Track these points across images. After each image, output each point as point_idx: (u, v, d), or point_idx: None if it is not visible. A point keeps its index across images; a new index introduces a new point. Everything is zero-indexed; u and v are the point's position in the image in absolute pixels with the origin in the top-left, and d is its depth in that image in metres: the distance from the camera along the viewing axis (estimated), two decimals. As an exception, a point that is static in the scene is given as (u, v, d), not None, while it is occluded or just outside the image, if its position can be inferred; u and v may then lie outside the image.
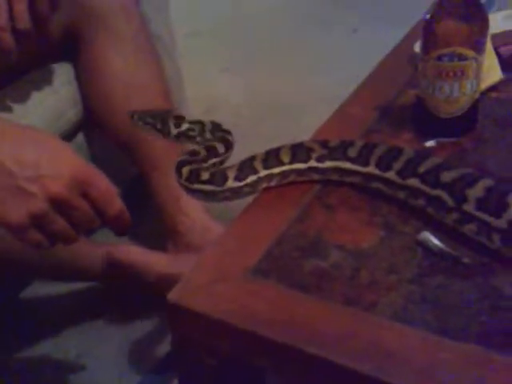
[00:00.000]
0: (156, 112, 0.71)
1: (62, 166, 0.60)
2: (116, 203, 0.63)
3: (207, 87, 2.10)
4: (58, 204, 0.59)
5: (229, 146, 0.67)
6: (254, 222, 0.62)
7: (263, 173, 0.62)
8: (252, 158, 0.63)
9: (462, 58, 0.65)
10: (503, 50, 0.83)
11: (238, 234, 0.60)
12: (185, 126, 0.68)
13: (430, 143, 0.69)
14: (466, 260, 0.53)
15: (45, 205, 0.58)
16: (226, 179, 0.61)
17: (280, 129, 1.82)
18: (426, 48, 0.67)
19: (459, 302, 0.49)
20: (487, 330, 0.46)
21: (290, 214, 0.61)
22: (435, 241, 0.55)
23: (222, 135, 0.68)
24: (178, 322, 0.52)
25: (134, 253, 1.00)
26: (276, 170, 0.63)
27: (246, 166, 0.62)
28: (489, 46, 0.79)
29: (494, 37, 0.80)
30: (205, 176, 0.62)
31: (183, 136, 0.69)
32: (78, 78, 1.07)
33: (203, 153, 0.65)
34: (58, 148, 0.62)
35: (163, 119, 0.69)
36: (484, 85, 0.78)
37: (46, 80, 1.04)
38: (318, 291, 0.52)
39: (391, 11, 2.50)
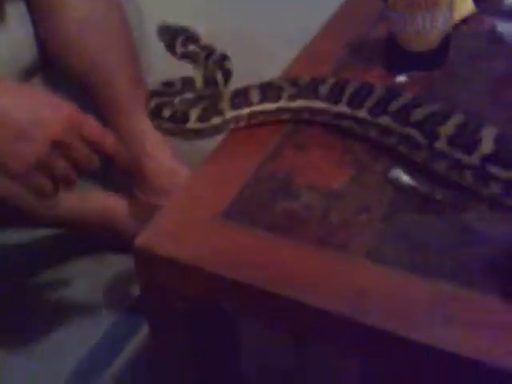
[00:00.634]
0: (174, 28, 0.70)
1: (56, 111, 0.64)
2: (110, 138, 0.67)
3: (172, 17, 2.02)
4: (58, 146, 0.63)
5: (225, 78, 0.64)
6: (223, 165, 0.60)
7: (229, 114, 0.60)
8: (218, 97, 0.61)
9: (434, -13, 0.63)
10: (475, -20, 0.81)
11: (206, 177, 0.58)
12: (191, 48, 0.67)
13: (400, 78, 0.67)
14: (437, 196, 0.52)
15: (46, 148, 0.62)
16: (186, 119, 0.59)
17: (247, 65, 1.77)
18: (397, -23, 0.64)
19: (431, 239, 0.49)
20: (459, 266, 0.46)
21: (259, 155, 0.59)
22: (406, 178, 0.54)
23: (220, 66, 0.65)
24: (145, 266, 0.51)
25: (100, 199, 0.98)
26: (244, 111, 0.60)
27: (211, 106, 0.60)
28: (461, -24, 0.76)
29: (466, -33, 0.77)
30: (166, 113, 0.59)
31: (187, 57, 0.68)
32: (33, 20, 1.01)
33: (178, 85, 0.63)
34: (45, 96, 0.67)
35: (174, 35, 0.68)
36: (456, 17, 0.76)
37: (-3, 20, 0.98)
38: (289, 233, 0.51)
39: None
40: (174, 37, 0.68)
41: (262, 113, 0.61)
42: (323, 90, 0.60)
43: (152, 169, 1.01)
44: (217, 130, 0.61)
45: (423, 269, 0.46)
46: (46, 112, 0.64)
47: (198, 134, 0.60)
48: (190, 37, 0.69)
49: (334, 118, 0.60)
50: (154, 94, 0.62)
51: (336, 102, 0.59)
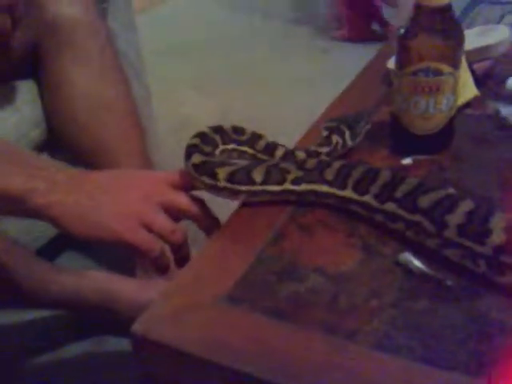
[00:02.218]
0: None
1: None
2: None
3: (178, 105, 2.08)
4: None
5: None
6: (227, 245, 0.59)
7: (224, 184, 0.59)
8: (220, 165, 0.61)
9: (437, 73, 0.64)
10: (477, 66, 0.82)
11: (209, 258, 0.57)
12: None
13: (406, 161, 0.67)
14: (449, 283, 0.50)
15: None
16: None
17: None
18: (401, 63, 0.66)
19: (445, 328, 0.46)
20: (475, 357, 0.43)
21: (264, 236, 0.58)
22: (416, 262, 0.52)
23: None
24: (144, 354, 0.48)
25: (101, 279, 0.95)
26: (242, 188, 0.60)
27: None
28: (463, 62, 0.78)
29: (468, 53, 0.79)
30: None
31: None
32: (42, 96, 1.03)
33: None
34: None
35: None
36: (459, 101, 0.77)
37: (8, 98, 1.00)
38: (294, 319, 0.49)
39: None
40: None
41: (264, 192, 0.60)
42: (329, 173, 0.59)
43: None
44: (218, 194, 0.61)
45: (436, 361, 0.43)
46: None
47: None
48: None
49: (340, 202, 0.59)
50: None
51: (342, 186, 0.58)
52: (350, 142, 0.68)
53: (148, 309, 0.50)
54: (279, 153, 0.65)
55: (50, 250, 1.05)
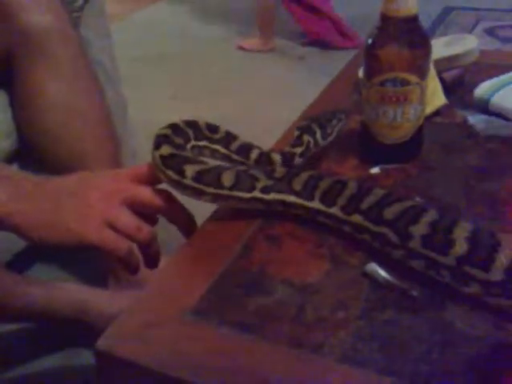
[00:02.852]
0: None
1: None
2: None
3: (154, 113, 2.07)
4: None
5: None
6: (194, 258, 0.58)
7: (190, 182, 0.58)
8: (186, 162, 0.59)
9: (404, 83, 0.64)
10: (446, 75, 0.83)
11: (176, 271, 0.56)
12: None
13: (375, 170, 0.68)
14: (414, 293, 0.50)
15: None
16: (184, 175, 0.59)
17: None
18: (368, 73, 0.66)
19: (409, 339, 0.46)
20: (438, 368, 0.43)
21: (232, 248, 0.58)
22: (382, 273, 0.52)
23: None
24: (107, 371, 0.48)
25: (72, 291, 0.94)
26: (209, 190, 0.58)
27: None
28: (432, 71, 0.79)
29: (437, 62, 0.80)
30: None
31: None
32: (13, 105, 1.02)
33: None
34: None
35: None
36: (428, 110, 0.77)
37: (-22, 108, 0.98)
38: (261, 332, 0.48)
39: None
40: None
41: (231, 198, 0.59)
42: (297, 183, 0.59)
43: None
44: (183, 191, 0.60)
45: (399, 373, 0.43)
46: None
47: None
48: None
49: (308, 213, 0.59)
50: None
51: (309, 197, 0.58)
52: (321, 141, 0.67)
53: (112, 324, 0.49)
54: (254, 155, 0.64)
55: (20, 263, 1.04)
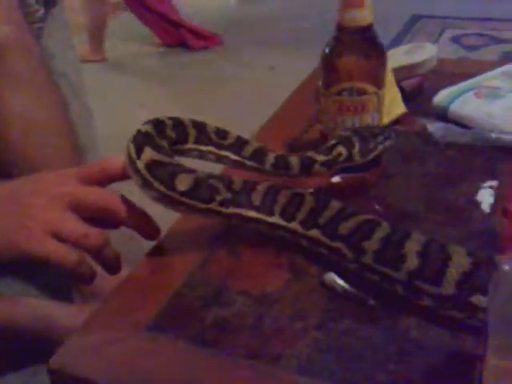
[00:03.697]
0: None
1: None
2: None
3: (125, 124, 2.05)
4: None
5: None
6: (154, 271, 0.58)
7: (157, 186, 0.54)
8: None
9: (361, 92, 0.65)
10: (406, 83, 0.84)
11: (134, 284, 0.55)
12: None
13: (335, 179, 0.68)
14: (371, 302, 0.50)
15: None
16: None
17: (200, 167, 1.79)
18: (326, 83, 0.66)
19: (365, 349, 0.46)
20: (393, 378, 0.44)
21: (192, 260, 0.57)
22: (340, 282, 0.52)
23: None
24: (61, 390, 0.47)
25: (35, 306, 0.92)
26: (168, 193, 0.54)
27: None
28: (391, 79, 0.80)
29: (396, 71, 0.81)
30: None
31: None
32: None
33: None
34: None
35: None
36: (388, 118, 0.78)
37: None
38: (219, 345, 0.48)
39: (307, 49, 2.57)
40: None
41: (182, 204, 0.55)
42: (256, 198, 0.56)
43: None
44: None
45: (355, 382, 0.44)
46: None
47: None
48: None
49: (268, 228, 0.57)
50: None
51: (269, 212, 0.56)
52: (357, 157, 0.62)
53: (66, 341, 0.48)
54: (270, 160, 0.60)
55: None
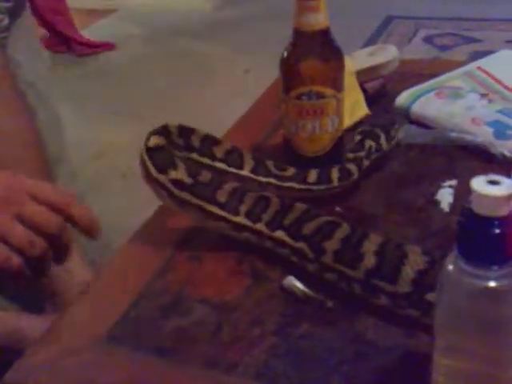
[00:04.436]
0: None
1: None
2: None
3: (99, 132, 2.04)
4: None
5: None
6: (113, 280, 0.57)
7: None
8: None
9: (320, 96, 0.65)
10: (368, 85, 0.85)
11: (90, 296, 0.55)
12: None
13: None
14: (330, 304, 0.51)
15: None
16: None
17: None
18: (285, 87, 0.67)
19: (322, 352, 0.46)
20: (350, 380, 0.44)
21: (151, 268, 0.57)
22: (300, 285, 0.52)
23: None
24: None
25: (6, 319, 0.91)
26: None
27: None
28: (354, 82, 0.80)
29: (359, 73, 0.82)
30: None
31: None
32: None
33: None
34: None
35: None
36: (350, 120, 0.78)
37: None
38: (177, 355, 0.48)
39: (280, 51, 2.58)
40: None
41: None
42: (221, 196, 0.57)
43: (64, 281, 0.96)
44: None
45: (313, 387, 0.44)
46: None
47: None
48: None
49: (232, 228, 0.57)
50: None
51: (234, 212, 0.57)
52: (385, 145, 0.68)
53: (23, 356, 0.48)
54: (312, 176, 0.63)
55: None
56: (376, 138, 0.68)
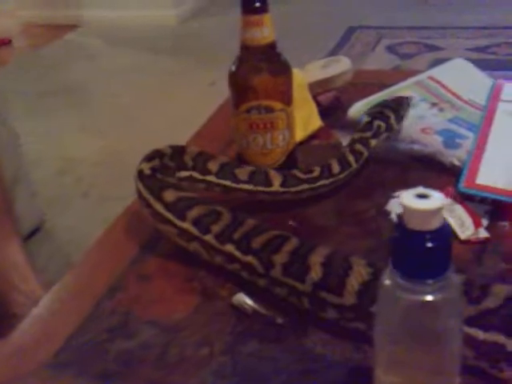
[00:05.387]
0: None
1: None
2: None
3: (63, 148, 2.01)
4: None
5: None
6: (62, 301, 0.56)
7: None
8: None
9: (269, 110, 0.65)
10: (322, 98, 0.85)
11: (41, 317, 0.54)
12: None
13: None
14: (279, 320, 0.50)
15: None
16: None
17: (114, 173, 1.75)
18: (235, 102, 0.66)
19: (270, 370, 0.46)
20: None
21: (100, 289, 0.56)
22: (250, 302, 0.52)
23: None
24: None
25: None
26: None
27: None
28: (307, 94, 0.81)
29: (312, 86, 0.82)
30: None
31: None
32: None
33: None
34: None
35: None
36: (304, 133, 0.79)
37: None
38: (122, 379, 0.46)
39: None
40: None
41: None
42: (170, 197, 0.57)
43: (19, 303, 0.93)
44: None
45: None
46: None
47: None
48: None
49: (180, 234, 0.57)
50: None
51: (180, 216, 0.56)
52: (395, 126, 0.70)
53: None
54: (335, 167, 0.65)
55: None
56: (386, 118, 0.70)
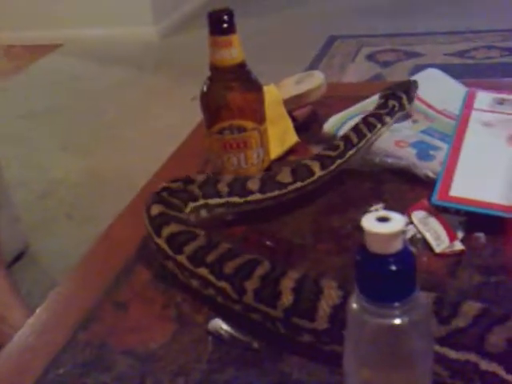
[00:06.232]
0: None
1: None
2: None
3: (46, 170, 2.00)
4: None
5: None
6: (38, 332, 0.55)
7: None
8: None
9: (241, 129, 0.65)
10: (297, 113, 0.85)
11: (16, 349, 0.53)
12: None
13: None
14: (255, 345, 0.49)
15: None
16: None
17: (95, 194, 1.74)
18: (207, 122, 0.66)
19: (247, 398, 0.45)
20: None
21: (75, 320, 0.55)
22: (225, 327, 0.51)
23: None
24: None
25: None
26: None
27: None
28: (282, 111, 0.80)
29: (287, 102, 0.82)
30: None
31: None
32: None
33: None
34: None
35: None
36: (281, 149, 0.78)
37: None
38: (96, 414, 0.46)
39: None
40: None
41: None
42: (154, 210, 0.59)
43: (3, 333, 0.92)
44: None
45: None
46: None
47: None
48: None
49: (157, 250, 0.58)
50: None
51: (158, 233, 0.57)
52: (407, 105, 0.74)
53: None
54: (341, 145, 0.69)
55: None
56: (398, 99, 0.74)
